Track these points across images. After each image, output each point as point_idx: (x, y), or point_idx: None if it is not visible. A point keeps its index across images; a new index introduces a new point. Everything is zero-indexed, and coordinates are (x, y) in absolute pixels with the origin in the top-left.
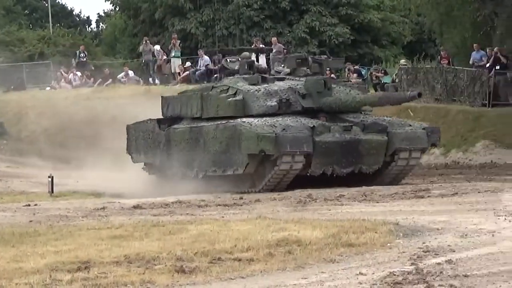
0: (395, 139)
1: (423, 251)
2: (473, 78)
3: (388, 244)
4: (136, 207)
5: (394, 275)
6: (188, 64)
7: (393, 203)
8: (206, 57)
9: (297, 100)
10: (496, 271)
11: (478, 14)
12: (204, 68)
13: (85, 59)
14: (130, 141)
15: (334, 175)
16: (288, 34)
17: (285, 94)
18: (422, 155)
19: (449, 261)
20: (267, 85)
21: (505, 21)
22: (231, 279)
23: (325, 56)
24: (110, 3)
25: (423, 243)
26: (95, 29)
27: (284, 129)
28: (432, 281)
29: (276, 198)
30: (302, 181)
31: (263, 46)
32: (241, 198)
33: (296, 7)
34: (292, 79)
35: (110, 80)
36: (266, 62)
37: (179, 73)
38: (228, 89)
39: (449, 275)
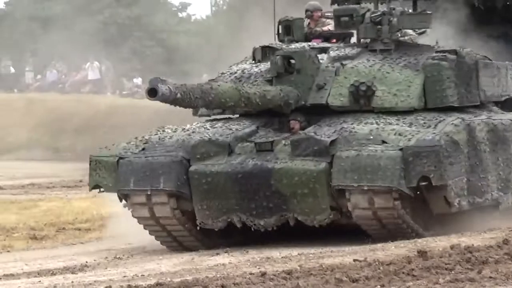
0: (338, 168)
1: None
2: None
3: None
4: None
5: None
6: (39, 76)
7: None
8: (54, 71)
9: None
10: None
11: None
12: (51, 79)
13: None
14: None
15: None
16: None
17: None
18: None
19: None
20: None
21: None
22: (73, 244)
23: None
24: None
25: None
26: None
27: (143, 148)
28: None
29: None
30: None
31: None
32: (80, 181)
33: None
34: None
35: None
36: None
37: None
38: None
39: None
